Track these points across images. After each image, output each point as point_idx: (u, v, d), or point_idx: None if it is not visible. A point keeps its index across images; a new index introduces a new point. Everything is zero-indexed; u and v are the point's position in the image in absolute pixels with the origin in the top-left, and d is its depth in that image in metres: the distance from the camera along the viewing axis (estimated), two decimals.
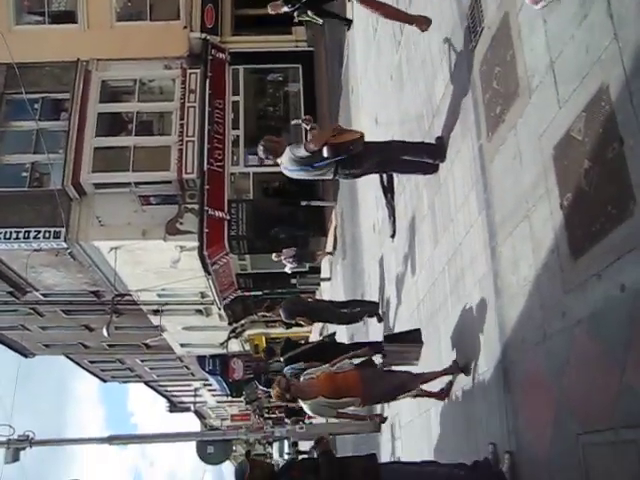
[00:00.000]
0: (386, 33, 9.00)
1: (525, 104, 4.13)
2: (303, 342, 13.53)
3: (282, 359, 9.84)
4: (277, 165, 6.38)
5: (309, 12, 11.82)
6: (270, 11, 11.43)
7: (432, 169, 6.24)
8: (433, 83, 6.45)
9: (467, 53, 5.32)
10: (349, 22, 12.88)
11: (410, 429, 7.91)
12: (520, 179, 4.20)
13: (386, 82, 8.90)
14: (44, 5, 18.92)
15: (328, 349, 9.95)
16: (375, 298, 10.49)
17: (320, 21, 12.82)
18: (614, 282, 3.02)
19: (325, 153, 5.58)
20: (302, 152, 5.76)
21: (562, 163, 3.63)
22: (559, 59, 3.70)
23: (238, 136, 18.47)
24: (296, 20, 13.74)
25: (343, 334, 13.27)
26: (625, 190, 2.97)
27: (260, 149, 6.19)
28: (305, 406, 5.73)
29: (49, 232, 17.16)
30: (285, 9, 11.94)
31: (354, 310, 10.54)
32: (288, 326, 26.35)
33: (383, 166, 6.52)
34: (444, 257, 6.02)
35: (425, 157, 6.19)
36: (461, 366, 5.49)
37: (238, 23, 19.59)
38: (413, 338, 6.51)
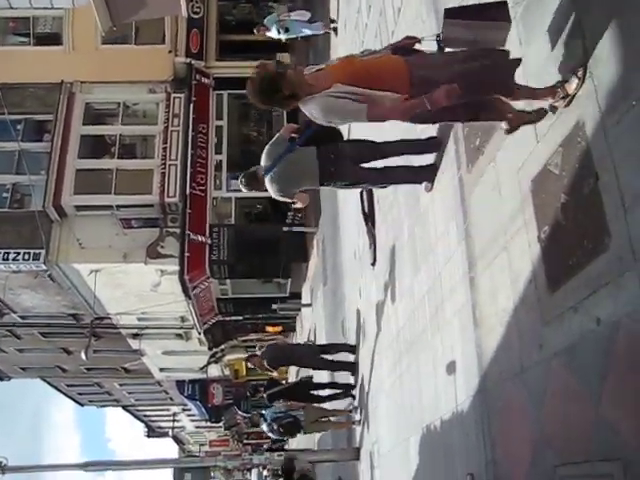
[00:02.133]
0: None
1: (504, 137, 4.19)
2: (284, 382, 14.52)
3: (265, 395, 11.19)
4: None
5: None
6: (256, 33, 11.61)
7: (427, 172, 5.84)
8: None
9: None
10: None
11: (389, 458, 7.89)
12: (499, 210, 4.24)
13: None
14: (29, 27, 18.98)
15: (307, 387, 10.86)
16: (353, 339, 10.78)
17: None
18: (590, 315, 3.06)
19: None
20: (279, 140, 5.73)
21: (540, 196, 3.68)
22: None
23: (221, 161, 18.54)
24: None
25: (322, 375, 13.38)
26: (600, 225, 3.02)
27: (242, 185, 6.07)
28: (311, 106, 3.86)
29: (28, 254, 17.03)
30: (270, 34, 12.09)
31: (332, 360, 11.29)
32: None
33: (370, 174, 5.85)
34: (424, 286, 6.05)
35: (418, 152, 5.90)
36: None
37: (223, 48, 19.73)
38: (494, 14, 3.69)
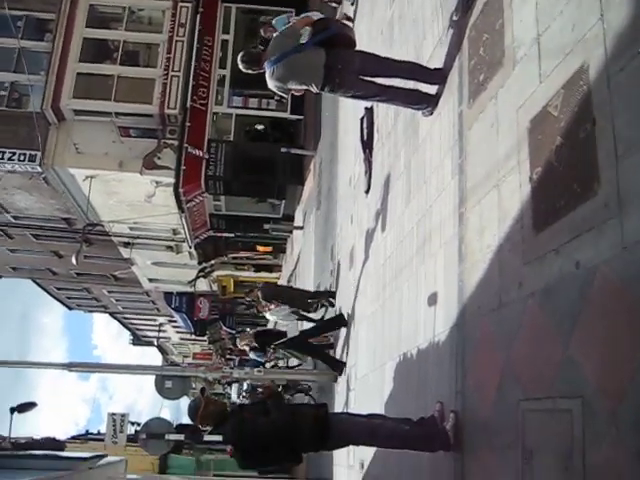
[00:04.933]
0: None
1: (508, 74, 4.15)
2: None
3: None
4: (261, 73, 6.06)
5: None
6: (262, 33, 11.29)
7: (427, 100, 5.70)
8: (422, 44, 6.43)
9: (458, 17, 5.31)
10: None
11: (365, 382, 8.10)
12: (495, 148, 4.25)
13: (376, 37, 8.84)
14: None
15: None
16: (341, 265, 11.14)
17: None
18: (570, 259, 3.11)
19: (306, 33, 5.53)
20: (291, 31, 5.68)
21: (536, 137, 3.68)
22: (546, 33, 3.72)
23: (224, 76, 18.30)
24: None
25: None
26: (591, 170, 3.04)
27: (240, 62, 5.97)
28: None
29: (24, 155, 16.99)
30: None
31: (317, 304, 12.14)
32: (257, 270, 26.56)
33: (372, 88, 5.77)
34: (414, 217, 6.10)
35: (421, 79, 5.76)
36: None
37: None
38: None
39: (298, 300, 12.36)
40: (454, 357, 4.66)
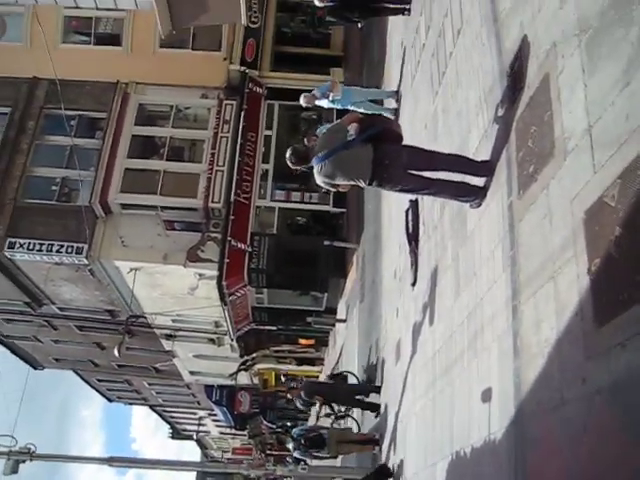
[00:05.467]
0: (424, 81, 9.08)
1: (559, 166, 4.11)
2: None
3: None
4: (307, 171, 6.12)
5: None
6: (302, 103, 11.55)
7: (475, 192, 5.70)
8: (467, 136, 6.46)
9: (504, 110, 5.34)
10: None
11: None
12: (548, 240, 4.16)
13: (420, 131, 8.94)
14: (91, 26, 19.41)
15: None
16: (387, 359, 11.05)
17: None
18: (639, 353, 2.97)
19: (353, 130, 5.52)
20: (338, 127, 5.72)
21: (593, 228, 3.60)
22: (597, 124, 3.69)
23: (267, 170, 18.66)
24: None
25: None
26: None
27: (289, 159, 6.02)
28: None
29: (72, 247, 17.34)
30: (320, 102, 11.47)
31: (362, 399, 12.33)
32: (299, 363, 26.34)
33: (419, 182, 5.85)
34: (464, 310, 5.97)
35: (468, 171, 5.78)
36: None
37: (277, 59, 19.90)
38: None
39: (342, 397, 12.49)
40: (512, 459, 4.43)
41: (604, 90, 3.64)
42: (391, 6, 11.44)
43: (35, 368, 30.46)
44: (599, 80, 3.74)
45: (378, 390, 11.39)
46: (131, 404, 45.75)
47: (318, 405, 12.67)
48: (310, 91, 11.59)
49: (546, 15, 4.61)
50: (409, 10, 10.86)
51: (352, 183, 5.81)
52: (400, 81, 11.41)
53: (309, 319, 20.49)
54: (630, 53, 3.38)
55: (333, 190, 6.06)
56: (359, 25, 11.91)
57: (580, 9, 4.06)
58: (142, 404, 44.00)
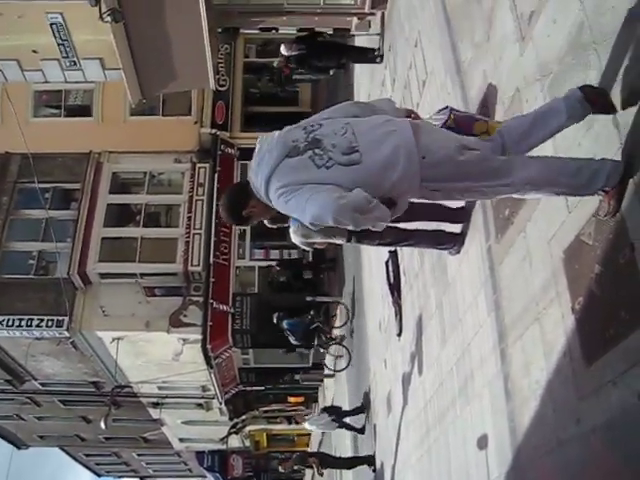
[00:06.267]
0: None
1: (534, 208, 4.17)
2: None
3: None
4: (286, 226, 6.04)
5: None
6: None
7: (453, 239, 5.81)
8: None
9: None
10: None
11: None
12: (530, 281, 4.19)
13: None
14: (61, 99, 19.51)
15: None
16: (377, 411, 11.10)
17: None
18: (630, 390, 2.96)
19: None
20: None
21: (573, 267, 3.64)
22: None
23: (245, 230, 18.67)
24: None
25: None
26: (638, 296, 2.97)
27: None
28: None
29: (52, 320, 17.13)
30: None
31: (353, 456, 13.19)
32: (290, 422, 25.96)
33: (397, 235, 5.82)
34: (452, 357, 5.96)
35: (445, 219, 5.82)
36: None
37: (247, 120, 20.12)
38: None
39: (334, 465, 13.50)
40: None
41: (569, 133, 3.72)
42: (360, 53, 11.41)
43: (19, 448, 29.70)
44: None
45: (372, 460, 11.40)
46: (121, 477, 44.62)
47: (315, 467, 12.61)
48: None
49: (508, 63, 4.74)
50: (381, 57, 10.75)
51: (329, 241, 5.82)
52: None
53: (297, 377, 20.29)
54: None
55: (309, 249, 6.02)
56: (330, 72, 11.54)
57: (539, 56, 4.19)
58: (132, 476, 42.87)
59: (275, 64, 14.50)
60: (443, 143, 3.05)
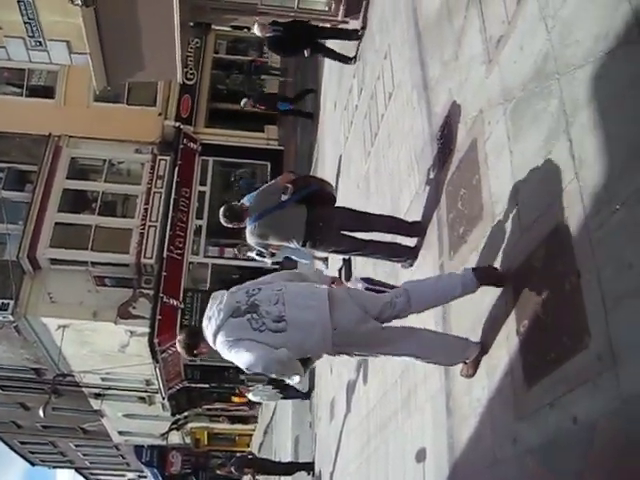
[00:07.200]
0: (357, 141, 9.27)
1: (488, 228, 4.24)
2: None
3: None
4: (240, 228, 5.99)
5: None
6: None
7: (407, 253, 5.84)
8: (399, 197, 6.61)
9: (435, 172, 5.49)
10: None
11: None
12: (479, 301, 4.25)
13: (353, 190, 9.09)
14: (24, 78, 19.16)
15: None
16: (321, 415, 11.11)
17: None
18: (567, 413, 3.03)
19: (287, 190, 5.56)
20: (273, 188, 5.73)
21: (521, 289, 3.70)
22: (523, 188, 3.83)
23: (201, 226, 18.57)
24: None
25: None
26: (580, 323, 3.03)
27: (223, 216, 5.87)
28: None
29: None
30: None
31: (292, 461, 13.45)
32: (232, 421, 25.83)
33: (352, 243, 5.92)
34: (397, 369, 6.00)
35: (400, 232, 5.91)
36: None
37: (212, 115, 20.04)
38: None
39: (269, 468, 13.65)
40: None
41: (528, 157, 3.79)
42: (337, 51, 10.99)
43: None
44: (523, 147, 3.90)
45: (310, 467, 11.48)
46: (55, 467, 43.76)
47: (251, 476, 12.79)
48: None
49: (473, 84, 4.81)
50: (354, 59, 10.46)
51: (285, 244, 5.83)
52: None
53: (242, 376, 20.18)
54: (550, 124, 3.55)
55: (264, 251, 6.05)
56: (305, 54, 11.12)
57: (504, 80, 4.26)
58: (68, 467, 42.14)
59: (242, 104, 15.03)
60: (350, 317, 3.84)
